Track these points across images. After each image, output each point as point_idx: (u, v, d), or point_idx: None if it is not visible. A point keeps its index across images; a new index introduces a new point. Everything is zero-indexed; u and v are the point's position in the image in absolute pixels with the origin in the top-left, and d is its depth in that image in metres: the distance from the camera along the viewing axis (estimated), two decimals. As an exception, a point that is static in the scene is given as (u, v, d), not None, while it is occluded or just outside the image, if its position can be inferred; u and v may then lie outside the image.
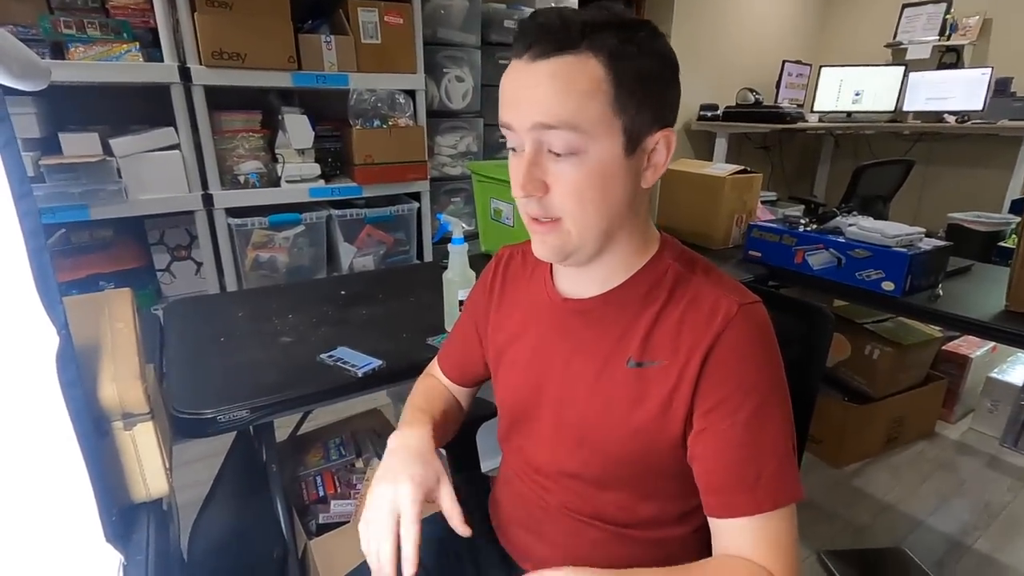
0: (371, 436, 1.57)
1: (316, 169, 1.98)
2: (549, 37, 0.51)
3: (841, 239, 1.44)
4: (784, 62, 3.90)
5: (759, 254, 1.62)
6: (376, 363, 1.03)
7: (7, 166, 0.48)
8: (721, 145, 3.53)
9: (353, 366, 1.02)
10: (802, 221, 1.59)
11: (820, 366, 0.76)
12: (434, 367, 0.89)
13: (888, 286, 1.34)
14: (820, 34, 4.36)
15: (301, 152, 1.95)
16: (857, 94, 3.80)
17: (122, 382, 0.64)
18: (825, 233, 1.49)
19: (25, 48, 0.46)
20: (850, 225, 1.46)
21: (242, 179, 1.86)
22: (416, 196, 2.23)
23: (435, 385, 0.86)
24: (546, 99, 0.52)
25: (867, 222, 1.46)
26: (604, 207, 0.56)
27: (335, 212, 2.04)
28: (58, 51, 1.56)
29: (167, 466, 0.70)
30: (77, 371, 0.57)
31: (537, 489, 0.69)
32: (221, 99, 1.81)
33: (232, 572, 1.15)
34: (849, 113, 3.83)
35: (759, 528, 0.54)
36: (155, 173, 1.70)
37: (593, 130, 0.52)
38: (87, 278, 1.71)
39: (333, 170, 2.08)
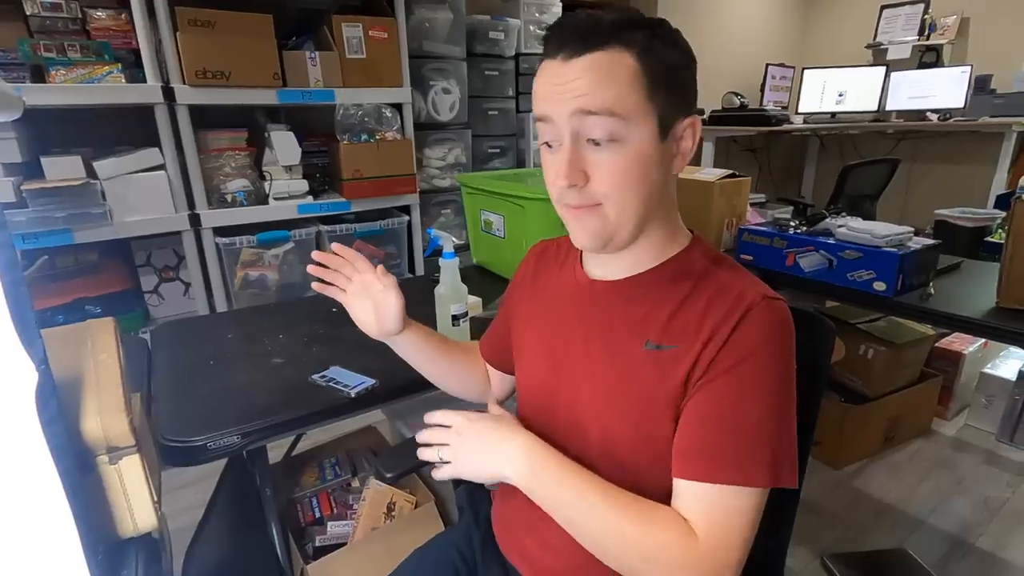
0: (367, 454, 1.55)
1: (304, 185, 1.97)
2: (583, 36, 0.56)
3: (831, 240, 1.44)
4: (768, 65, 3.94)
5: (751, 258, 1.62)
6: (370, 382, 1.01)
7: (-21, 199, 0.47)
8: (709, 149, 3.55)
9: (346, 386, 1.00)
10: (792, 223, 1.59)
11: (823, 375, 0.75)
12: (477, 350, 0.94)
13: (880, 286, 1.34)
14: (802, 37, 4.41)
15: (288, 169, 1.94)
16: (840, 95, 3.84)
17: (106, 415, 0.62)
18: (815, 235, 1.49)
19: (-5, 78, 0.45)
20: (840, 226, 1.46)
21: (229, 198, 1.84)
22: (406, 209, 2.22)
23: (470, 353, 0.92)
24: (588, 89, 0.55)
25: (856, 223, 1.46)
26: (643, 191, 0.58)
27: (325, 228, 2.03)
28: (38, 74, 1.54)
29: (155, 498, 0.68)
30: (58, 407, 0.55)
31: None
32: (206, 118, 1.79)
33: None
34: (833, 114, 3.87)
35: (705, 496, 0.55)
36: (140, 194, 1.68)
37: (632, 117, 0.56)
38: (73, 303, 1.69)
39: (321, 186, 2.07)
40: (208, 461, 0.91)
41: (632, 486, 0.60)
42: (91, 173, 1.61)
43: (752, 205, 2.08)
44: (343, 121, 1.96)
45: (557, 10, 2.73)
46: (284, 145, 1.89)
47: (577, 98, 0.56)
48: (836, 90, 3.85)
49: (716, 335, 0.57)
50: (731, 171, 1.82)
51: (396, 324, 0.77)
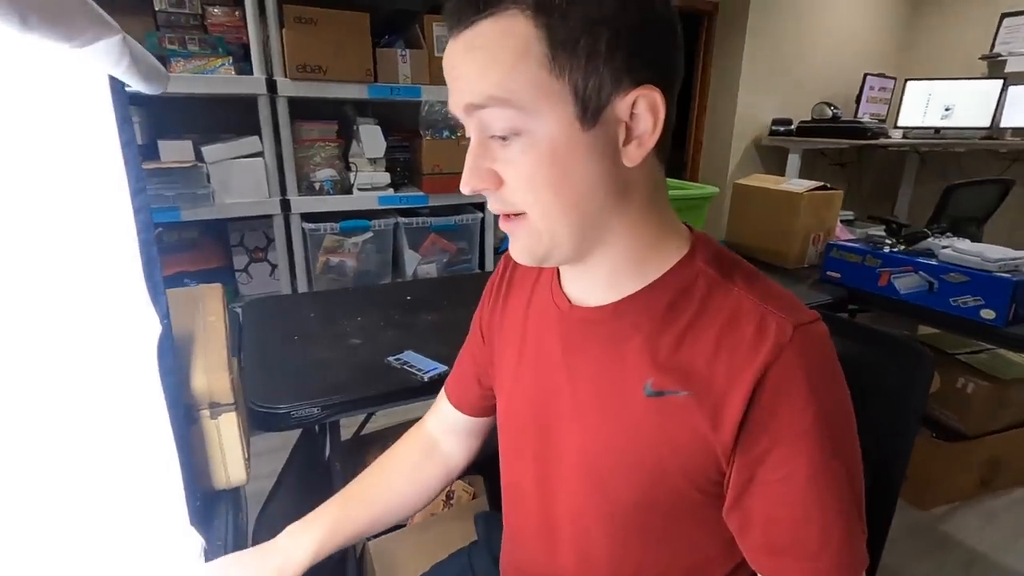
0: (429, 441, 1.59)
1: (386, 178, 2.04)
2: (463, 1, 0.43)
3: (934, 262, 1.34)
4: (866, 75, 3.71)
5: (838, 275, 1.53)
6: (442, 368, 1.03)
7: (127, 162, 0.52)
8: (794, 161, 3.39)
9: (419, 370, 1.03)
10: (888, 242, 1.49)
11: (917, 413, 0.64)
12: (439, 400, 0.77)
13: (988, 314, 1.23)
14: (906, 46, 4.13)
15: (373, 161, 2.02)
16: (947, 109, 3.56)
17: (212, 373, 0.67)
18: (915, 255, 1.39)
19: (149, 55, 0.50)
20: (944, 247, 1.36)
21: (317, 186, 1.94)
22: (481, 206, 2.26)
23: (393, 458, 0.75)
24: (467, 75, 0.44)
25: (964, 244, 1.35)
26: (567, 195, 0.45)
27: (402, 220, 2.09)
28: (162, 65, 1.68)
29: (246, 456, 0.72)
30: (174, 360, 0.60)
31: (545, 543, 0.59)
32: (301, 110, 1.90)
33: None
34: (937, 129, 3.59)
35: None
36: (239, 179, 1.80)
37: (530, 102, 0.42)
38: (174, 275, 1.83)
39: (402, 179, 2.14)
40: (290, 428, 0.96)
41: (649, 555, 0.52)
42: (199, 157, 1.75)
43: (840, 222, 1.97)
44: (427, 117, 2.01)
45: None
46: (370, 138, 1.97)
47: (462, 90, 0.45)
48: (942, 104, 3.57)
49: (738, 384, 0.44)
50: (821, 183, 1.73)
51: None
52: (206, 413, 0.68)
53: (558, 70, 0.42)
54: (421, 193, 2.08)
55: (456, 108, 0.46)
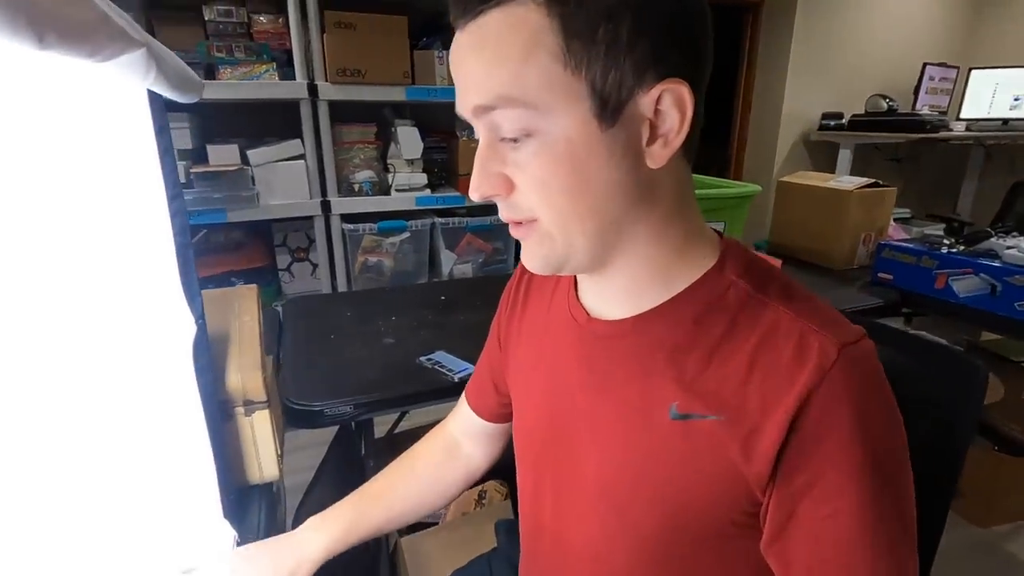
0: (462, 441, 1.60)
1: (423, 179, 2.07)
2: None
3: (997, 263, 1.25)
4: (925, 65, 3.51)
5: (890, 276, 1.46)
6: (472, 368, 1.04)
7: (164, 171, 0.54)
8: (845, 157, 3.24)
9: (450, 370, 1.04)
10: (945, 242, 1.40)
11: (968, 427, 0.60)
12: (460, 403, 0.76)
13: (1058, 320, 1.15)
14: (969, 33, 3.88)
15: (410, 162, 2.05)
16: (1016, 99, 3.33)
17: (245, 371, 0.69)
18: (976, 256, 1.30)
19: (183, 63, 0.51)
20: (1009, 248, 1.27)
21: (356, 187, 1.98)
22: (516, 206, 2.26)
23: (415, 457, 0.75)
24: (476, 72, 0.40)
25: (1032, 245, 1.26)
26: (585, 200, 0.42)
27: (439, 220, 2.11)
28: (210, 72, 1.75)
29: (279, 452, 0.75)
30: (209, 359, 0.62)
31: (560, 563, 0.56)
32: (341, 113, 1.94)
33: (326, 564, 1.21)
34: (1006, 121, 3.36)
35: None
36: (283, 181, 1.86)
37: (542, 98, 0.39)
38: (221, 275, 1.90)
39: (439, 180, 2.16)
40: (324, 426, 0.98)
41: None
42: (244, 160, 1.81)
43: (895, 220, 1.87)
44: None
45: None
46: (408, 140, 1.99)
47: (470, 90, 0.41)
48: (1011, 94, 3.34)
49: (775, 411, 0.40)
50: (873, 180, 1.65)
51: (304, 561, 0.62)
52: (240, 410, 0.70)
53: (574, 64, 0.38)
54: (457, 194, 2.10)
55: (464, 110, 0.43)
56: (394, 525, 0.71)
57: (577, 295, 0.54)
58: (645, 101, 0.40)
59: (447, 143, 2.17)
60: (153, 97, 0.52)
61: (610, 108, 0.40)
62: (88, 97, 0.49)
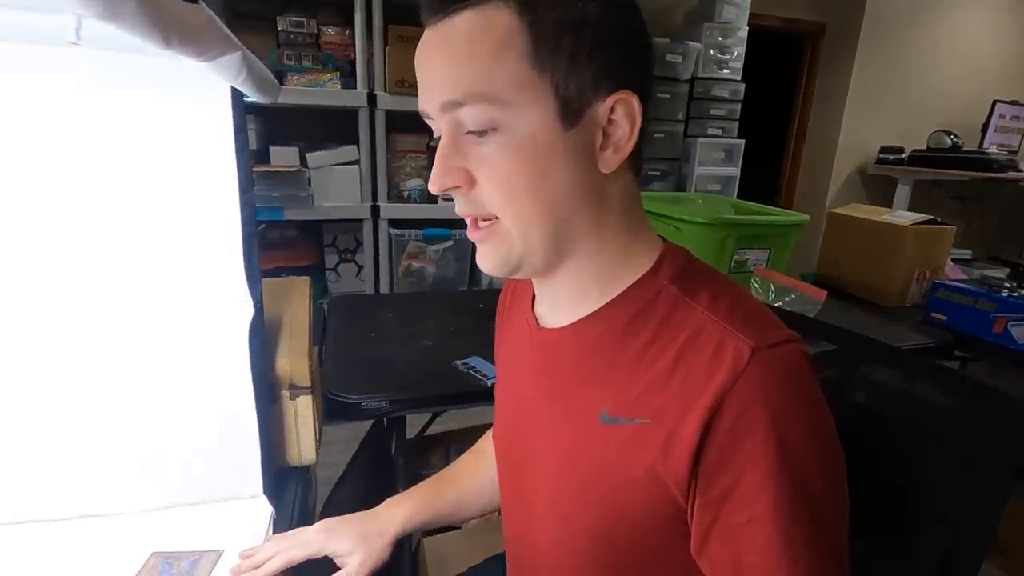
0: (490, 449, 1.61)
1: (470, 190, 2.12)
2: None
3: (1061, 311, 1.19)
4: (995, 102, 3.38)
5: (943, 317, 1.40)
6: (506, 376, 1.06)
7: (239, 165, 0.59)
8: (903, 192, 3.14)
9: (484, 375, 1.06)
10: (1007, 285, 1.34)
11: (1010, 473, 0.55)
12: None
13: None
14: (1047, 71, 3.71)
15: (459, 173, 2.10)
16: (1095, 142, 3.16)
17: (294, 357, 0.73)
18: (1039, 301, 1.24)
19: (264, 68, 0.56)
20: (1076, 295, 1.20)
21: (405, 194, 2.05)
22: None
23: (469, 461, 0.76)
24: (446, 69, 0.42)
25: (1101, 294, 1.19)
26: (543, 198, 0.43)
27: (482, 231, 2.16)
28: (279, 78, 1.86)
29: (318, 438, 0.78)
30: (263, 341, 0.66)
31: (528, 568, 0.58)
32: (396, 122, 2.02)
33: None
34: (1082, 164, 3.19)
35: None
36: (337, 184, 1.94)
37: (510, 96, 0.41)
38: (272, 269, 2.00)
39: (485, 192, 2.21)
40: (360, 419, 1.02)
41: None
42: (303, 162, 1.90)
43: (954, 261, 1.80)
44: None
45: (743, 34, 2.62)
46: (458, 151, 2.05)
47: (439, 84, 0.42)
48: (1090, 136, 3.17)
49: (691, 413, 0.40)
50: (931, 216, 1.59)
51: (374, 540, 0.64)
52: (286, 394, 0.74)
53: (540, 66, 0.41)
54: (502, 206, 2.14)
55: (429, 105, 0.44)
56: (464, 510, 0.72)
57: (533, 305, 0.55)
58: (600, 109, 0.43)
59: (496, 156, 2.22)
60: (235, 98, 0.57)
61: (571, 111, 0.42)
62: (180, 95, 0.54)
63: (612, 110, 0.43)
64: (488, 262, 0.47)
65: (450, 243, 2.12)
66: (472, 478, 0.73)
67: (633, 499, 0.44)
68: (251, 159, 1.97)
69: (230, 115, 0.58)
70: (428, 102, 0.43)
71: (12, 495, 0.65)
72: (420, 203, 2.06)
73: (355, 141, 1.95)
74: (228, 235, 0.62)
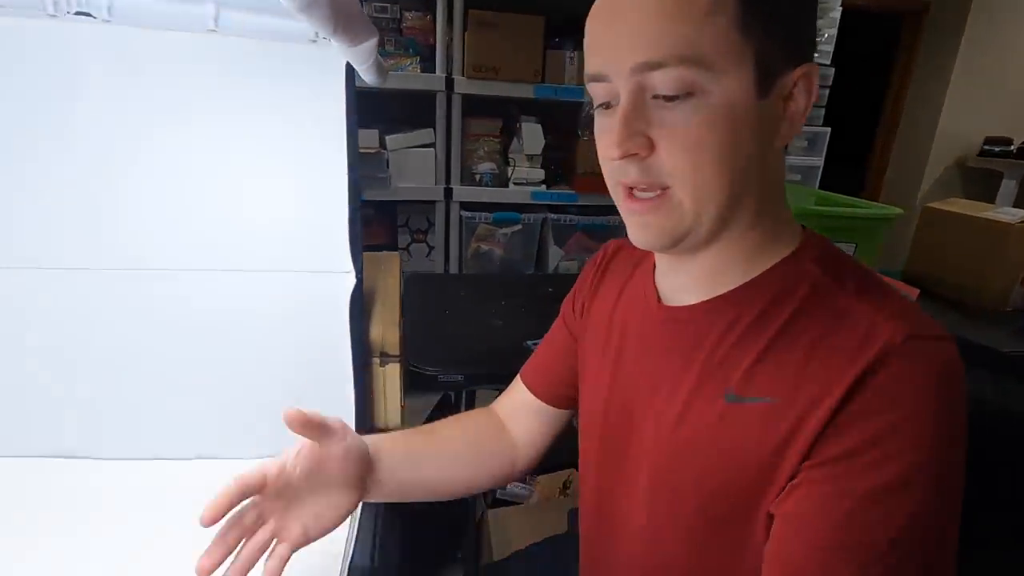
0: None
1: (541, 174, 2.13)
2: None
3: None
4: None
5: (1052, 324, 1.30)
6: (576, 358, 1.07)
7: (348, 144, 0.63)
8: (1009, 187, 2.88)
9: (555, 356, 1.08)
10: None
11: None
12: (514, 384, 0.72)
13: None
14: None
15: (530, 158, 2.12)
16: None
17: (386, 327, 0.78)
18: None
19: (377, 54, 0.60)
20: None
21: (477, 177, 2.09)
22: (629, 209, 2.26)
23: (468, 418, 0.71)
24: (650, 28, 0.39)
25: None
26: (729, 165, 0.42)
27: (551, 216, 2.17)
28: (362, 63, 1.93)
29: (402, 404, 0.83)
30: (361, 309, 0.71)
31: (613, 541, 0.56)
32: (472, 107, 2.05)
33: (422, 516, 1.31)
34: None
35: None
36: (413, 166, 2.01)
37: (716, 60, 0.39)
38: (350, 247, 2.09)
39: (555, 177, 2.22)
40: (436, 391, 1.07)
41: (723, 567, 0.47)
42: (382, 144, 1.98)
43: (1066, 262, 1.65)
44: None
45: (835, 15, 2.47)
46: (531, 136, 2.06)
47: (639, 44, 0.40)
48: None
49: (830, 392, 0.39)
50: (1043, 214, 1.47)
51: (353, 480, 0.54)
52: (376, 361, 0.79)
53: (746, 30, 0.39)
54: (572, 191, 2.14)
55: (615, 66, 0.42)
56: (417, 487, 0.62)
57: (654, 280, 0.54)
58: (788, 81, 0.42)
59: (567, 142, 2.21)
60: (349, 80, 0.61)
61: (766, 80, 0.41)
62: (299, 79, 0.59)
63: (795, 83, 0.42)
64: (651, 233, 0.45)
65: (519, 227, 2.14)
66: (453, 436, 0.67)
67: (749, 480, 0.43)
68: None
69: (343, 97, 0.62)
70: (615, 63, 0.42)
71: (146, 436, 0.73)
72: (491, 186, 2.10)
73: (431, 124, 2.00)
74: (336, 209, 0.67)
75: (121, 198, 0.66)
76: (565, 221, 2.18)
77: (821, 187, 2.49)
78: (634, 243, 0.47)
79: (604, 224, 2.21)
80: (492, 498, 1.42)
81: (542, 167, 2.15)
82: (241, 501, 0.46)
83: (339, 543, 0.63)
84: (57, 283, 0.67)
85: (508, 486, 1.44)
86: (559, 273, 2.19)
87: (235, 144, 0.65)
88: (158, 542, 0.62)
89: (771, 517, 0.43)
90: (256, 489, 0.47)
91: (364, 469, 0.55)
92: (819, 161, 2.55)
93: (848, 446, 0.39)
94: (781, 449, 0.41)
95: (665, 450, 0.49)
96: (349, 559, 0.61)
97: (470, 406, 1.42)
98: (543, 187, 2.15)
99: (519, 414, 0.69)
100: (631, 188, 0.45)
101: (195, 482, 0.71)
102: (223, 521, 0.45)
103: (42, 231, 0.66)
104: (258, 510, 0.48)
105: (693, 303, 0.49)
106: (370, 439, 0.59)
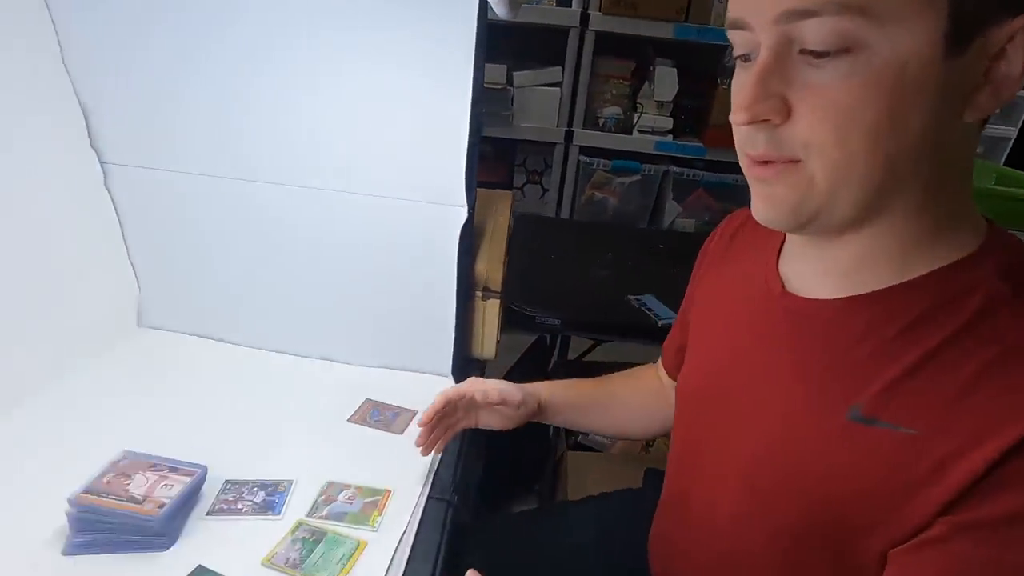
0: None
1: (669, 123, 2.01)
2: None
3: None
4: None
5: None
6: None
7: (475, 78, 0.64)
8: None
9: (656, 315, 1.06)
10: None
11: None
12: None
13: None
14: None
15: (660, 105, 2.00)
16: None
17: (491, 263, 0.81)
18: None
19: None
20: None
21: (601, 122, 2.02)
22: (762, 169, 2.08)
23: (621, 382, 0.74)
24: None
25: None
26: (886, 142, 0.34)
27: (674, 169, 2.06)
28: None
29: (498, 339, 0.86)
30: (470, 243, 0.74)
31: (691, 523, 0.53)
32: (604, 46, 1.95)
33: (506, 446, 1.38)
34: None
35: None
36: (537, 105, 1.98)
37: (888, 8, 0.31)
38: (467, 182, 2.15)
39: (684, 127, 2.08)
40: (533, 332, 1.10)
41: None
42: (509, 81, 1.96)
43: None
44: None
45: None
46: (664, 81, 1.94)
47: None
48: None
49: (992, 439, 0.32)
50: None
51: (519, 410, 0.66)
52: (479, 295, 0.82)
53: None
54: (700, 144, 2.00)
55: (758, 14, 0.35)
56: (594, 418, 0.73)
57: (777, 262, 0.47)
58: (996, 37, 0.32)
59: (703, 90, 2.05)
60: (481, 11, 0.61)
61: (961, 34, 0.32)
62: (428, 9, 0.60)
63: (1010, 40, 0.32)
64: (771, 208, 0.39)
65: (637, 177, 2.06)
66: (617, 395, 0.73)
67: (862, 512, 0.38)
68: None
69: (473, 29, 0.62)
70: (757, 10, 0.35)
71: (280, 332, 0.84)
72: (614, 132, 2.02)
73: (560, 63, 1.94)
74: (455, 143, 0.68)
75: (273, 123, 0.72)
76: (688, 176, 2.06)
77: (1007, 164, 2.11)
78: (755, 216, 0.41)
79: (730, 183, 2.06)
80: (573, 441, 1.46)
81: (671, 115, 2.02)
82: (445, 410, 0.62)
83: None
84: (238, 190, 0.76)
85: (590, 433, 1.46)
86: (674, 230, 2.09)
87: (366, 70, 0.68)
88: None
89: (884, 557, 0.38)
90: (454, 404, 0.63)
91: (532, 415, 0.68)
92: (1011, 132, 2.15)
93: (1009, 509, 0.32)
94: (913, 489, 0.35)
95: (764, 455, 0.44)
96: (434, 470, 0.66)
97: (564, 351, 1.44)
98: (669, 137, 2.03)
99: (668, 385, 0.70)
100: (758, 161, 0.38)
101: (321, 379, 0.80)
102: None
103: (235, 146, 0.74)
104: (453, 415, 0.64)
105: (826, 297, 0.42)
106: (546, 387, 0.69)
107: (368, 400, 0.76)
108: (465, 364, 0.84)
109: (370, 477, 0.63)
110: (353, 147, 0.72)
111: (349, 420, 0.73)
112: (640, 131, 2.02)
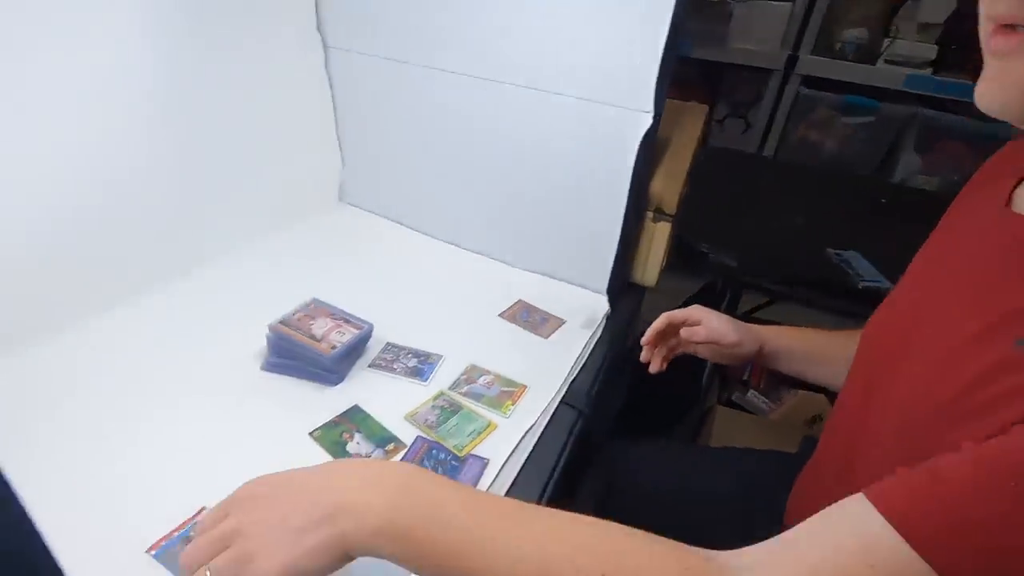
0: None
1: (931, 53, 1.61)
2: None
3: None
4: None
5: None
6: (882, 282, 0.88)
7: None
8: None
9: (858, 275, 0.90)
10: None
11: None
12: None
13: None
14: None
15: (924, 28, 1.60)
16: None
17: (669, 181, 0.74)
18: None
19: None
20: None
21: (837, 47, 1.69)
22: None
23: (837, 334, 0.69)
24: None
25: None
26: None
27: (923, 112, 1.67)
28: None
29: (663, 266, 0.81)
30: (651, 154, 0.68)
31: (839, 476, 0.50)
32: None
33: (651, 384, 1.34)
34: None
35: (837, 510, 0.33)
36: (758, 24, 1.72)
37: None
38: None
39: (952, 60, 1.65)
40: (702, 271, 1.01)
41: None
42: (732, -7, 1.73)
43: None
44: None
45: None
46: (937, -3, 1.54)
47: None
48: None
49: None
50: None
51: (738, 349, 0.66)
52: (650, 215, 0.77)
53: None
54: (970, 83, 1.58)
55: None
56: (812, 366, 0.70)
57: (1013, 187, 0.42)
58: None
59: (993, 11, 1.59)
60: None
61: None
62: None
63: None
64: (1001, 89, 0.34)
65: (871, 119, 1.72)
66: (833, 345, 0.68)
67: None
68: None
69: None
70: None
71: (453, 225, 0.88)
72: (852, 61, 1.68)
73: (799, -27, 1.65)
74: (651, 46, 0.62)
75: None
76: (942, 122, 1.66)
77: None
78: (977, 102, 0.35)
79: (994, 135, 1.61)
80: (727, 397, 1.36)
81: (936, 43, 1.61)
82: (666, 331, 0.68)
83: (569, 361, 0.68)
84: (441, 81, 0.79)
85: (750, 395, 1.35)
86: (906, 185, 1.73)
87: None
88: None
89: None
90: (675, 327, 0.67)
91: (750, 357, 0.68)
92: None
93: None
94: None
95: (920, 384, 0.39)
96: (572, 379, 0.66)
97: (733, 305, 1.32)
98: (928, 71, 1.63)
99: None
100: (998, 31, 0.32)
101: (480, 273, 0.84)
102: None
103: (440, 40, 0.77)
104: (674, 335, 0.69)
105: None
106: (774, 332, 0.68)
107: (521, 301, 0.78)
108: (623, 286, 0.81)
109: (510, 370, 0.66)
110: (543, 42, 0.69)
111: (500, 315, 0.76)
112: (889, 61, 1.65)
